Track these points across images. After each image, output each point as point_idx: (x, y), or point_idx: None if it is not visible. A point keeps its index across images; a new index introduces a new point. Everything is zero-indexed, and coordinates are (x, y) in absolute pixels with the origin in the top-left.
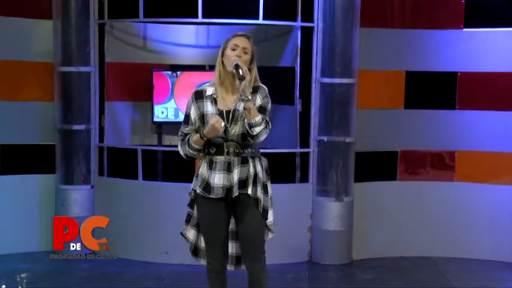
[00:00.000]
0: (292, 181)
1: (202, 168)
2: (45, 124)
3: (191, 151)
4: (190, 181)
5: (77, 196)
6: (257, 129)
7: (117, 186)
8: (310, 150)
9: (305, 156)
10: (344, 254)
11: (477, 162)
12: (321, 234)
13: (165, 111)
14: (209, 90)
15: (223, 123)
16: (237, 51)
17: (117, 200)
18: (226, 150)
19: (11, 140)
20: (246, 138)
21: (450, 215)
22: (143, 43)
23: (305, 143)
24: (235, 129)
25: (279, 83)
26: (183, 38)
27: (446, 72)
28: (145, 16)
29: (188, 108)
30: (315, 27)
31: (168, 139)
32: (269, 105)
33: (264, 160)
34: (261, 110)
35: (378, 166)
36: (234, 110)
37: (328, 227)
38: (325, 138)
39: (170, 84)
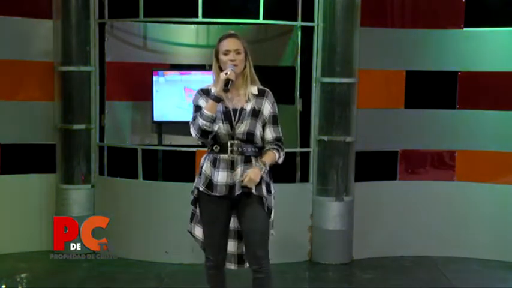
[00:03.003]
0: (292, 181)
1: (206, 166)
2: (46, 124)
3: (204, 121)
4: (191, 180)
5: (77, 196)
6: (280, 162)
7: (117, 185)
8: (311, 149)
9: (305, 156)
10: (344, 254)
11: (477, 162)
12: (321, 233)
13: None
14: (214, 90)
15: (229, 71)
16: (230, 56)
17: (117, 199)
18: (230, 148)
19: (11, 139)
20: (250, 137)
21: (450, 214)
22: (143, 43)
23: (305, 142)
24: (241, 128)
25: (279, 82)
26: (184, 37)
27: (446, 72)
28: (145, 16)
29: (197, 100)
30: (315, 27)
31: (168, 139)
32: (277, 111)
33: None
34: (274, 119)
35: (378, 166)
36: (242, 109)
37: (328, 227)
38: (325, 138)
39: None
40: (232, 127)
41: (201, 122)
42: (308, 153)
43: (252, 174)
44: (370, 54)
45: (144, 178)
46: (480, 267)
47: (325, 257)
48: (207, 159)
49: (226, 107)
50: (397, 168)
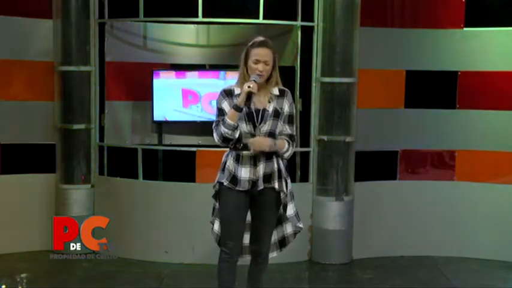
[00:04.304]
0: (292, 180)
1: (229, 162)
2: (46, 123)
3: (226, 130)
4: (191, 180)
5: (77, 195)
6: (286, 155)
7: (117, 185)
8: (310, 149)
9: (305, 156)
10: (344, 254)
11: (477, 162)
12: (321, 233)
13: None
14: (237, 90)
15: (252, 84)
16: (259, 66)
17: (117, 199)
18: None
19: (11, 139)
20: (272, 136)
21: (450, 214)
22: (143, 42)
23: (305, 142)
24: (264, 128)
25: None
26: (184, 37)
27: (446, 72)
28: (145, 15)
29: (220, 102)
30: (315, 27)
31: (168, 138)
32: (295, 111)
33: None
34: (290, 118)
35: (378, 165)
36: (264, 110)
37: (328, 227)
38: (325, 138)
39: None
40: (255, 127)
41: (223, 130)
42: (308, 153)
43: (261, 139)
44: (370, 54)
45: (144, 178)
46: (480, 267)
47: (325, 257)
48: (230, 156)
49: (249, 108)
50: (397, 168)
